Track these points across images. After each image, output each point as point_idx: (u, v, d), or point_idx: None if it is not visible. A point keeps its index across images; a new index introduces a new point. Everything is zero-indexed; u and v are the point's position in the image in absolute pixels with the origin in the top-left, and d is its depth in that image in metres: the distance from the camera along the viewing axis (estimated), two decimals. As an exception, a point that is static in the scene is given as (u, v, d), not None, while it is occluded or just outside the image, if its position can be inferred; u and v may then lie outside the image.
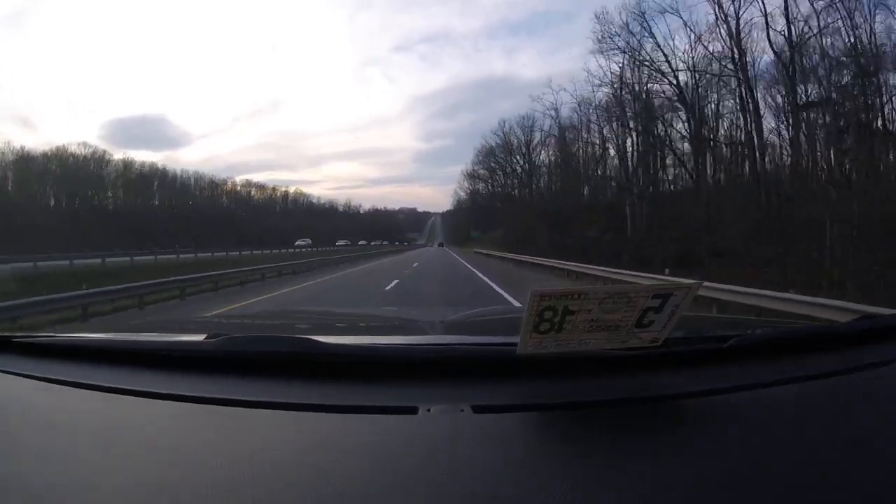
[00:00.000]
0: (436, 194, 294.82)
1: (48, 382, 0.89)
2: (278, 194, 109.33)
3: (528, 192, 50.41)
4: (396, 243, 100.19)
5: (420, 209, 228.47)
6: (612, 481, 0.54)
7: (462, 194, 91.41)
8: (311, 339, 0.87)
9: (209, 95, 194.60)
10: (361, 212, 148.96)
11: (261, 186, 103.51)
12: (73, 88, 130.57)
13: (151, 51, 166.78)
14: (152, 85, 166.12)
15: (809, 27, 19.94)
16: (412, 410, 0.69)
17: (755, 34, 21.82)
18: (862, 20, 18.52)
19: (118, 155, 71.94)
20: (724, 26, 22.57)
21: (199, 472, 0.58)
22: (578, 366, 0.78)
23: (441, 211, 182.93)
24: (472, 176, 75.98)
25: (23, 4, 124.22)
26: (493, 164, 64.83)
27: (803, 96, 20.55)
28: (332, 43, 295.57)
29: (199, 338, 1.00)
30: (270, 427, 0.70)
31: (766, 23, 20.96)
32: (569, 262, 17.51)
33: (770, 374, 0.79)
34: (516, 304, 7.71)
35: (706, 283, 5.89)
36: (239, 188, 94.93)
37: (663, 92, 26.50)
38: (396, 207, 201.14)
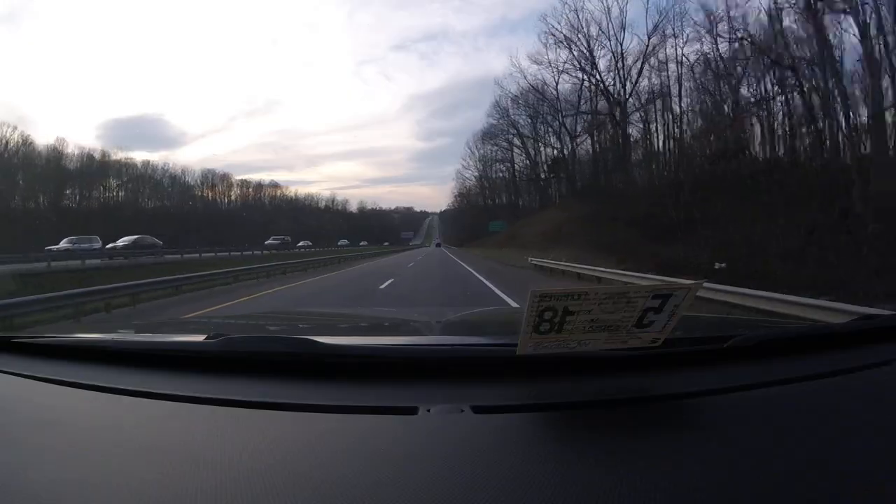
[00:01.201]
0: (434, 194, 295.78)
1: (48, 382, 0.89)
2: (250, 190, 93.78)
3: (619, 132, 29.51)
4: (362, 244, 73.33)
5: (417, 208, 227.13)
6: (611, 481, 0.54)
7: (468, 175, 66.94)
8: (310, 340, 0.87)
9: (206, 96, 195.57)
10: (350, 209, 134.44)
11: (225, 177, 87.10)
12: (68, 86, 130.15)
13: (149, 51, 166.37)
14: (149, 85, 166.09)
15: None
16: (412, 410, 0.69)
17: None
18: None
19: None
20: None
21: (200, 472, 0.58)
22: (578, 366, 0.78)
23: (438, 210, 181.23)
24: (486, 136, 51.43)
25: (19, 5, 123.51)
26: (520, 110, 42.49)
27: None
28: (331, 43, 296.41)
29: (199, 338, 1.00)
30: (270, 427, 0.70)
31: None
32: None
33: (770, 374, 0.80)
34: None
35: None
36: (198, 182, 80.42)
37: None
38: (392, 207, 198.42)
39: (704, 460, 0.58)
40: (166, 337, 1.28)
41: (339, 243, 59.66)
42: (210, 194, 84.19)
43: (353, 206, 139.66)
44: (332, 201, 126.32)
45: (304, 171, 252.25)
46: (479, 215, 64.39)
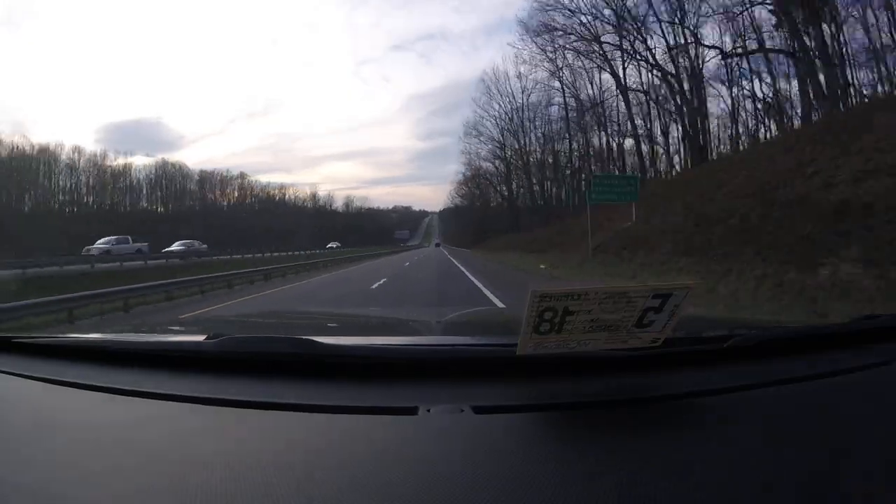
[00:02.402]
0: (433, 194, 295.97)
1: (48, 382, 0.89)
2: (216, 189, 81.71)
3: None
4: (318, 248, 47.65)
5: (416, 208, 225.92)
6: (611, 481, 0.54)
7: (483, 136, 43.91)
8: (311, 340, 0.87)
9: (205, 98, 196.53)
10: (336, 207, 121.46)
11: (181, 169, 75.91)
12: (66, 90, 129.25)
13: (146, 54, 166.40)
14: (147, 88, 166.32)
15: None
16: (412, 410, 0.69)
17: None
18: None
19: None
20: None
21: (200, 472, 0.58)
22: (578, 366, 0.78)
23: (437, 209, 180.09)
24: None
25: (17, 9, 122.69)
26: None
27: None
28: (331, 43, 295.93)
29: (200, 338, 1.00)
30: (270, 427, 0.70)
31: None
32: None
33: (770, 374, 0.80)
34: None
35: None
36: (148, 178, 69.97)
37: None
38: (390, 206, 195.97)
39: (704, 460, 0.58)
40: (166, 337, 1.28)
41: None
42: (154, 192, 72.48)
43: (353, 206, 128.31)
44: (314, 197, 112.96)
45: (303, 173, 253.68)
46: (488, 207, 47.22)
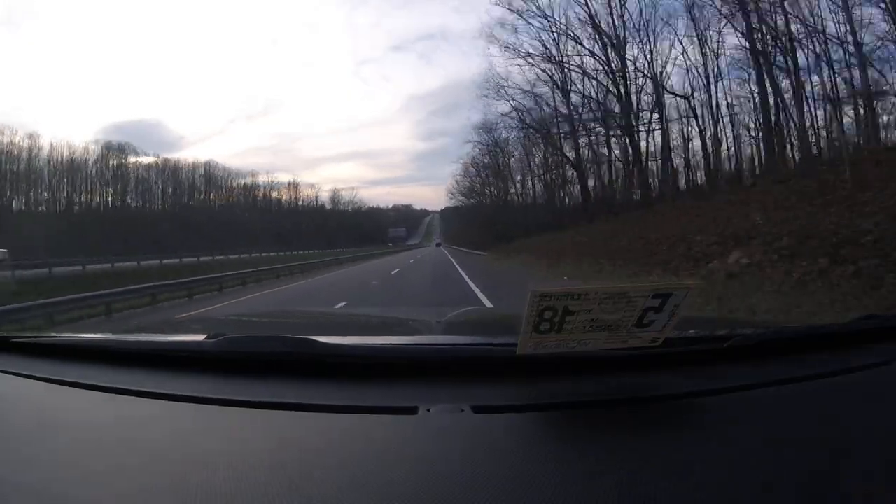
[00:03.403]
0: (434, 194, 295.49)
1: (48, 382, 0.89)
2: (181, 176, 66.58)
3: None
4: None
5: (417, 206, 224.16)
6: (611, 481, 0.54)
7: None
8: (310, 339, 0.87)
9: (205, 98, 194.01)
10: (322, 204, 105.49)
11: (122, 151, 60.70)
12: (66, 91, 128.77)
13: (146, 54, 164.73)
14: (147, 89, 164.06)
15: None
16: (412, 410, 0.69)
17: None
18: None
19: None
20: None
21: (200, 472, 0.58)
22: (578, 366, 0.78)
23: (439, 209, 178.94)
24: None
25: (17, 10, 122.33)
26: None
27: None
28: (331, 43, 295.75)
29: (199, 338, 1.00)
30: (271, 427, 0.70)
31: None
32: None
33: (770, 374, 0.80)
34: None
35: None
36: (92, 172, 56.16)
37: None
38: (389, 205, 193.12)
39: (704, 460, 0.58)
40: (166, 337, 1.28)
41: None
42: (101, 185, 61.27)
43: (338, 202, 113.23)
44: (295, 188, 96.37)
45: (303, 174, 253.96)
46: (507, 194, 32.50)
